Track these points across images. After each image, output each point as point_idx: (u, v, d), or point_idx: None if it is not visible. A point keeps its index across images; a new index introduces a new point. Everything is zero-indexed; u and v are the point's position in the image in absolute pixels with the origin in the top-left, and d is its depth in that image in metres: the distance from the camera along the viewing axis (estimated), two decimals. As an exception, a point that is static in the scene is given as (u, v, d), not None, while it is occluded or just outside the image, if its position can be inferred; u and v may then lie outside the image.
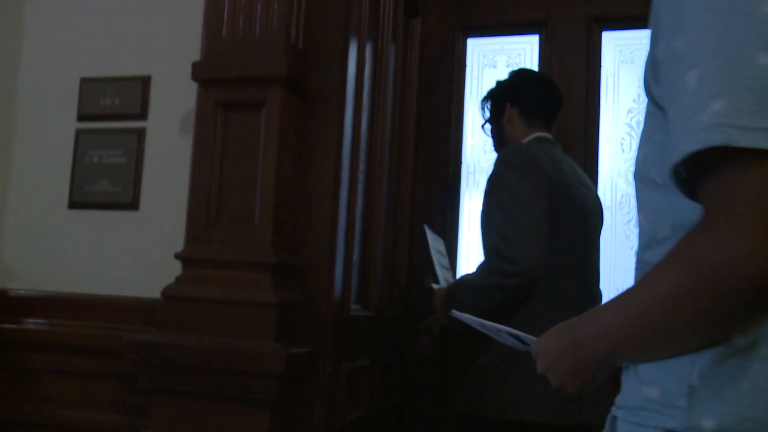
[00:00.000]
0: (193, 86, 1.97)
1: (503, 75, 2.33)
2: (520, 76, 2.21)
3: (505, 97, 2.17)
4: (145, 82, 2.09)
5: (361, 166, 2.04)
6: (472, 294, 1.92)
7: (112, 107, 2.11)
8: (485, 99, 2.28)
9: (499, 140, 2.23)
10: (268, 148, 1.77)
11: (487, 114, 2.26)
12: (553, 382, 0.88)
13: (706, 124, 0.64)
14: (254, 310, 1.69)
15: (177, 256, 1.82)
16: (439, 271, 2.31)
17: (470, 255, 2.62)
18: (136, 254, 2.02)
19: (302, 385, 1.74)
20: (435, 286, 2.29)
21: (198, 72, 1.85)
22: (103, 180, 2.09)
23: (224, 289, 1.73)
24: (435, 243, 2.34)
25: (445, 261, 2.35)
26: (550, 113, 2.16)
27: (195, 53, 1.98)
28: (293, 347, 1.69)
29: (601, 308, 0.80)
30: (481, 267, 1.95)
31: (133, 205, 2.05)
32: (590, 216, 2.05)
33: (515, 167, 1.94)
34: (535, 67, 2.58)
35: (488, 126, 2.25)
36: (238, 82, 1.81)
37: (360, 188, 2.03)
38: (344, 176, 1.88)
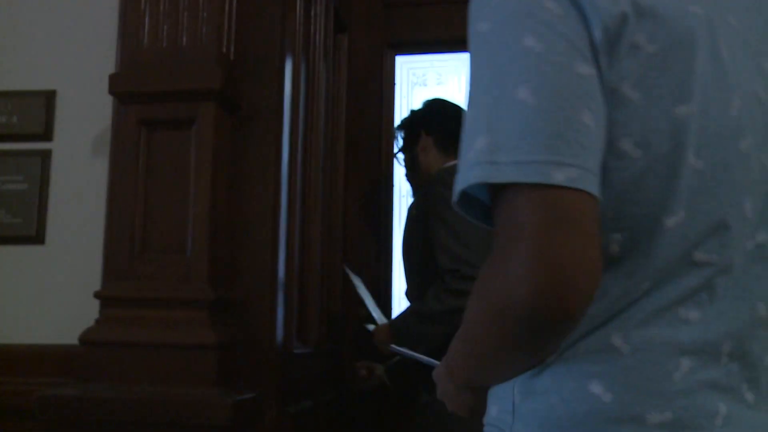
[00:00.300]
0: (107, 102, 1.77)
1: (433, 93, 2.26)
2: (435, 105, 2.22)
3: (420, 126, 2.13)
4: (49, 97, 1.86)
5: (298, 189, 1.88)
6: (429, 323, 1.84)
7: (9, 126, 1.85)
8: (399, 127, 2.27)
9: (412, 169, 2.18)
10: (201, 170, 1.59)
11: (401, 142, 2.23)
12: (448, 407, 0.88)
13: (470, 162, 0.67)
14: (191, 354, 1.49)
15: (97, 295, 1.60)
16: (373, 310, 2.22)
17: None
18: (43, 295, 1.77)
19: (247, 436, 1.55)
20: (370, 326, 2.18)
21: (116, 85, 1.64)
22: (0, 210, 1.83)
23: (155, 330, 1.52)
24: (357, 282, 2.24)
25: (372, 299, 2.25)
26: None
27: (108, 65, 1.78)
28: (236, 393, 1.50)
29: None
30: (434, 293, 1.85)
31: (37, 238, 1.80)
32: None
33: (452, 187, 1.89)
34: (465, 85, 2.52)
35: (401, 155, 2.23)
36: (163, 96, 1.62)
37: (298, 213, 1.87)
38: (283, 199, 1.72)
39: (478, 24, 0.72)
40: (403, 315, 2.03)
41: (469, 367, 0.78)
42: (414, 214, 2.04)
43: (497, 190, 0.66)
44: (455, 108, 2.20)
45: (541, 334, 0.65)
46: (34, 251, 1.80)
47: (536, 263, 0.62)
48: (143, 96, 1.63)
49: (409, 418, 2.15)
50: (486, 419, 0.80)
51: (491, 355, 0.72)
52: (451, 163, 2.07)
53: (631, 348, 0.70)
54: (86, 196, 1.81)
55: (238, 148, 1.67)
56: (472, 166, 0.67)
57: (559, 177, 0.63)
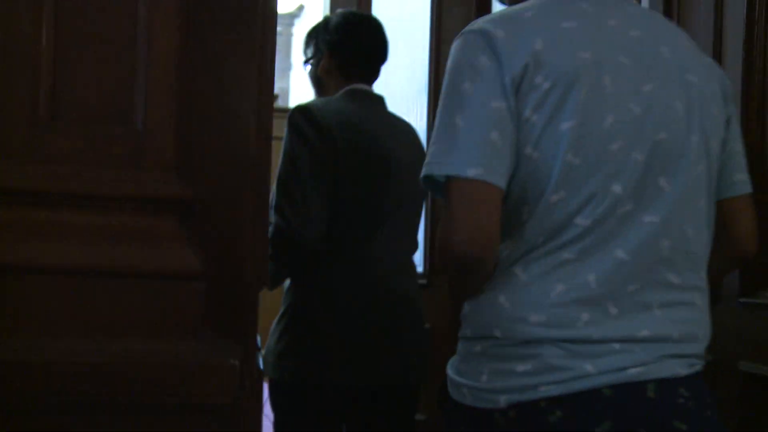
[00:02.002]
0: None
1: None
2: (346, 23, 2.03)
3: (326, 45, 2.04)
4: None
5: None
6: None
7: None
8: (308, 36, 2.08)
9: (318, 87, 2.12)
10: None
11: (308, 54, 2.11)
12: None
13: (426, 162, 1.19)
14: (161, 288, 0.93)
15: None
16: None
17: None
18: None
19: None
20: None
21: None
22: None
23: (91, 247, 0.93)
24: None
25: None
26: (372, 66, 2.10)
27: None
28: (229, 351, 0.98)
29: None
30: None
31: None
32: (400, 175, 2.01)
33: (299, 131, 1.86)
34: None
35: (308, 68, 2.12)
36: None
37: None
38: (268, 54, 1.17)
39: (447, 68, 1.20)
40: None
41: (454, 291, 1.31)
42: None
43: (447, 178, 1.16)
44: (369, 27, 2.09)
45: (465, 268, 1.19)
46: None
47: (455, 230, 1.15)
48: None
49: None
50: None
51: (452, 280, 1.30)
52: (345, 89, 2.02)
53: (526, 276, 1.16)
54: None
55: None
56: (426, 164, 1.18)
57: (470, 173, 1.12)
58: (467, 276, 1.19)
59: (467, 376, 1.18)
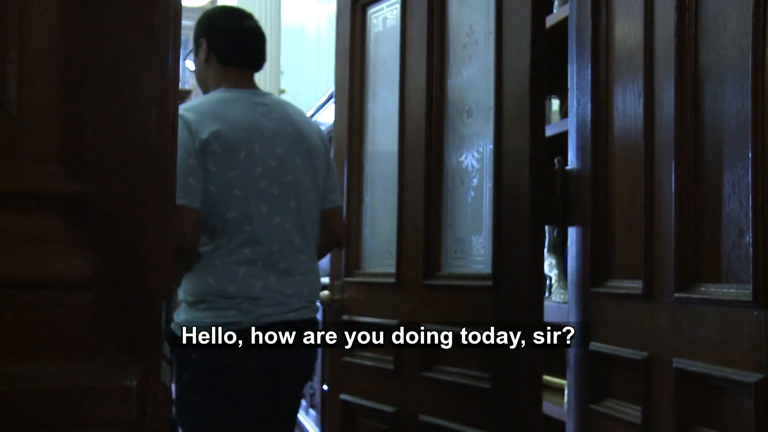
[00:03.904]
0: None
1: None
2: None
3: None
4: None
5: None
6: None
7: None
8: None
9: None
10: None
11: None
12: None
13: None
14: (42, 299, 0.80)
15: None
16: None
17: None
18: None
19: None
20: None
21: None
22: None
23: (-45, 253, 0.79)
24: None
25: None
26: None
27: None
28: (125, 370, 0.86)
29: None
30: None
31: None
32: None
33: None
34: None
35: None
36: None
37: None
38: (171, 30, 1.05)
39: None
40: None
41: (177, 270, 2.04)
42: None
43: None
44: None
45: (184, 255, 1.94)
46: None
47: (181, 235, 1.90)
48: None
49: None
50: None
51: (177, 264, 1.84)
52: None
53: (221, 264, 1.99)
54: None
55: None
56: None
57: (180, 202, 1.81)
58: (185, 260, 1.96)
59: (195, 321, 1.98)
